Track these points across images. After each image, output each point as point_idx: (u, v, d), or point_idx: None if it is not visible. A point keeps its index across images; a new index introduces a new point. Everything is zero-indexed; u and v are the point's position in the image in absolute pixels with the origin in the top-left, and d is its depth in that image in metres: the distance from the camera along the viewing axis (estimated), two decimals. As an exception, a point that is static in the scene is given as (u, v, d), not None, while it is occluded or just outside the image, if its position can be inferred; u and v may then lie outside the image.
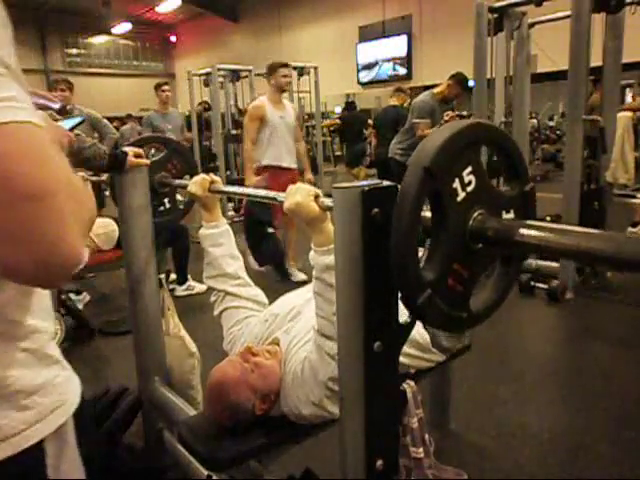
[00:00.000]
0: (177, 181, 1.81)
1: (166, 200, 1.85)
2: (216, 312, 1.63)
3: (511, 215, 0.77)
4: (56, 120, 0.93)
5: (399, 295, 0.74)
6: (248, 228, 4.03)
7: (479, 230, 0.71)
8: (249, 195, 1.51)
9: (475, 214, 0.72)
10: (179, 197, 1.95)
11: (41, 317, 0.69)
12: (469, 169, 0.71)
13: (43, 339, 0.69)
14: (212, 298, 1.64)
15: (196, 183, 1.56)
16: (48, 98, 0.95)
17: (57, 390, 0.69)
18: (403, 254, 0.68)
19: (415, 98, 4.45)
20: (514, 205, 0.77)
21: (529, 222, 0.70)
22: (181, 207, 1.90)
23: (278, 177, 3.83)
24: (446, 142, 0.67)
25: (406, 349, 1.40)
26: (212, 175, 1.59)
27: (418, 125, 4.16)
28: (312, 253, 1.17)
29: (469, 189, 0.71)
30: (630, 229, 4.99)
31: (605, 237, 0.61)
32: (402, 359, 1.25)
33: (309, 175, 4.34)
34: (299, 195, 1.11)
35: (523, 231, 0.67)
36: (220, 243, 1.59)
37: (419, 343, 1.48)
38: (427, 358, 1.53)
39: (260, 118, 3.96)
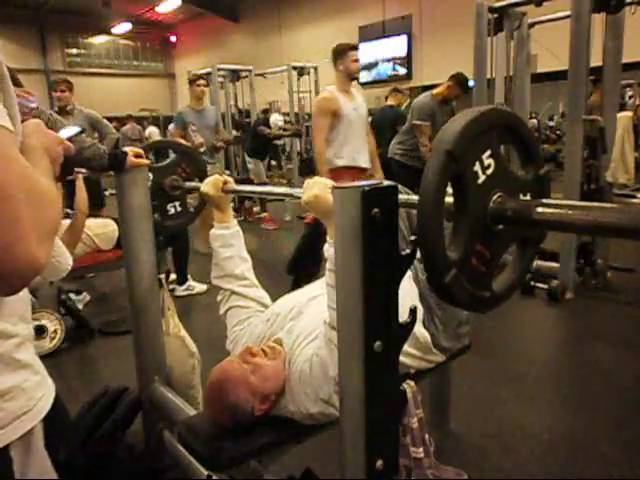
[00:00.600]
0: (188, 183, 1.82)
1: (177, 203, 1.86)
2: (221, 311, 1.63)
3: (527, 198, 0.79)
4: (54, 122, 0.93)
5: (425, 276, 0.76)
6: (310, 236, 3.53)
7: (499, 211, 0.73)
8: (264, 192, 1.50)
9: (495, 196, 0.74)
10: (189, 200, 1.96)
11: (10, 322, 0.68)
12: (488, 152, 0.73)
13: (10, 344, 0.67)
14: (218, 297, 1.64)
15: (209, 183, 1.57)
16: (23, 97, 0.93)
17: (25, 395, 0.68)
18: (429, 235, 0.70)
19: (415, 99, 4.43)
20: (530, 188, 0.79)
21: (545, 200, 0.72)
22: (192, 210, 1.91)
23: (356, 180, 3.53)
24: (466, 126, 0.69)
25: (408, 349, 1.40)
26: (225, 175, 1.60)
27: (419, 127, 4.15)
28: (327, 245, 1.17)
29: (489, 172, 0.73)
30: None
31: (620, 210, 0.64)
32: (403, 359, 1.25)
33: (380, 174, 3.79)
34: (316, 188, 1.12)
35: (540, 209, 0.70)
36: (230, 244, 1.60)
37: (420, 343, 1.48)
38: (428, 359, 1.53)
39: (333, 112, 3.34)
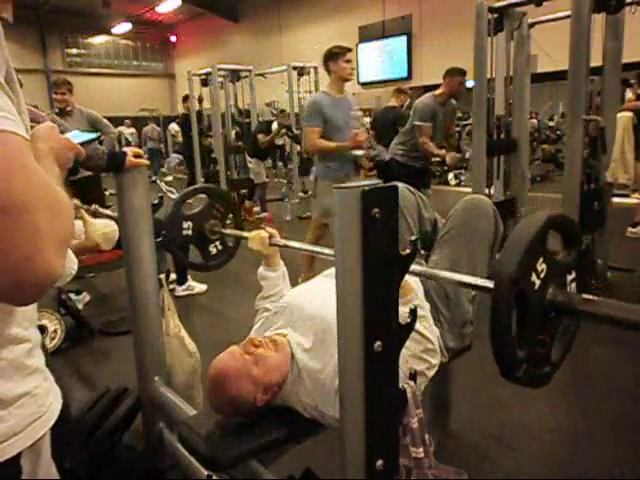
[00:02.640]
0: (230, 231, 1.93)
1: (217, 243, 1.95)
2: (255, 326, 1.69)
3: (572, 276, 0.92)
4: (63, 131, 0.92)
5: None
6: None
7: (553, 303, 0.85)
8: (301, 249, 1.63)
9: (549, 290, 0.85)
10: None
11: (23, 326, 0.67)
12: (541, 260, 0.84)
13: (23, 349, 0.67)
14: (256, 316, 1.72)
15: (256, 240, 1.67)
16: (36, 113, 0.93)
17: (36, 402, 0.67)
18: (503, 347, 0.82)
19: (417, 99, 4.43)
20: (573, 267, 0.91)
21: (585, 296, 0.86)
22: (230, 245, 1.99)
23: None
24: (526, 251, 0.81)
25: (421, 354, 1.39)
26: (268, 228, 1.70)
27: (420, 128, 4.14)
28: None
29: (542, 275, 0.84)
30: (630, 229, 4.99)
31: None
32: (415, 364, 1.26)
33: None
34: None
35: (582, 304, 0.85)
36: (276, 284, 1.72)
37: (431, 342, 1.48)
38: (435, 363, 1.53)
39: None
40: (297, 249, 1.58)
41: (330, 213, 3.17)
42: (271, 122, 6.98)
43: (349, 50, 3.46)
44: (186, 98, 7.28)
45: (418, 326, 1.29)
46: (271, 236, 1.66)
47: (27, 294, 0.56)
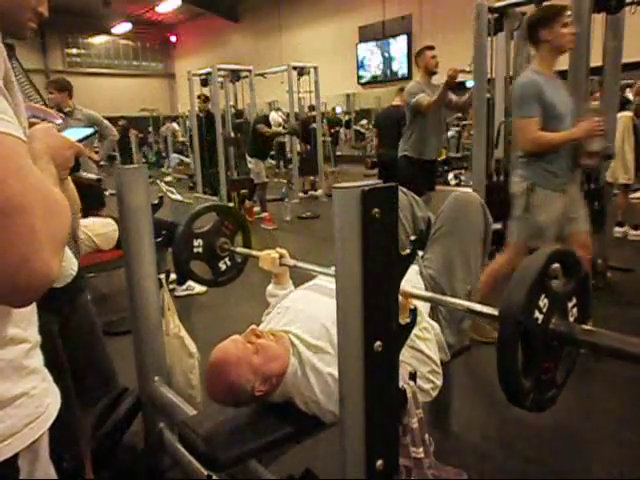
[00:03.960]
0: (240, 249, 1.96)
1: (227, 259, 1.99)
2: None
3: (574, 302, 0.94)
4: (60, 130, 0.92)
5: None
6: None
7: (556, 332, 0.88)
8: (310, 270, 1.61)
9: (552, 320, 0.88)
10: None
11: (21, 327, 0.67)
12: (543, 296, 0.86)
13: (21, 349, 0.67)
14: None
15: (267, 261, 1.70)
16: (49, 113, 0.93)
17: (34, 402, 0.67)
18: (509, 380, 0.85)
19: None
20: (574, 294, 0.93)
21: (585, 327, 0.90)
22: (239, 261, 2.02)
23: None
24: (528, 292, 0.84)
25: (428, 375, 1.40)
26: (278, 249, 1.72)
27: (418, 102, 4.08)
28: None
29: (544, 310, 0.87)
30: (617, 229, 4.88)
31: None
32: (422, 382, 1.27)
33: None
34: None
35: (582, 334, 0.89)
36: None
37: (440, 342, 1.50)
38: (439, 385, 1.53)
39: None
40: (306, 270, 1.59)
41: (544, 234, 2.56)
42: (268, 115, 6.93)
43: (565, 10, 2.63)
44: (207, 99, 7.35)
45: (425, 348, 1.31)
46: (281, 256, 1.69)
47: (24, 296, 0.56)
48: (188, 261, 1.92)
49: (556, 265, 0.91)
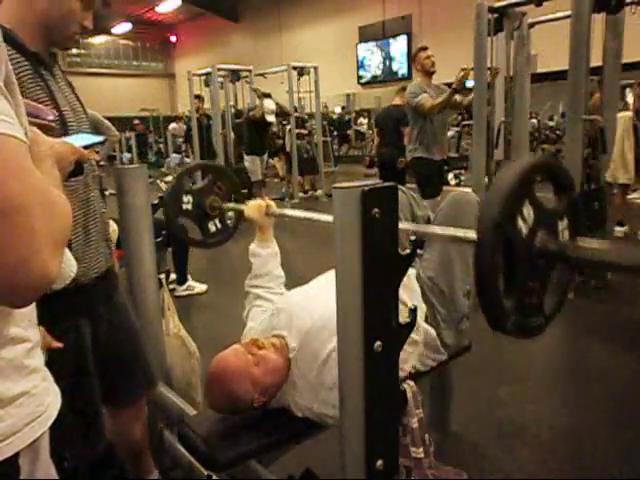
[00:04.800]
0: (230, 205, 1.88)
1: (217, 221, 1.92)
2: (244, 313, 1.69)
3: (565, 223, 0.88)
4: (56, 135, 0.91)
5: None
6: None
7: (542, 250, 0.82)
8: (298, 217, 1.59)
9: (538, 237, 0.81)
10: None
11: (22, 326, 0.67)
12: (526, 202, 0.80)
13: (22, 349, 0.67)
14: (246, 301, 1.71)
15: (253, 208, 1.66)
16: (40, 110, 0.92)
17: (34, 401, 0.67)
18: (488, 297, 0.78)
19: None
20: (566, 213, 0.87)
21: (579, 242, 0.85)
22: (231, 225, 1.97)
23: None
24: (508, 195, 0.77)
25: (424, 351, 1.40)
26: (267, 199, 1.68)
27: (419, 103, 3.95)
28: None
29: (529, 221, 0.80)
30: (617, 228, 4.86)
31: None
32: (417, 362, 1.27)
33: None
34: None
35: (573, 249, 0.84)
36: (266, 263, 1.69)
37: (428, 341, 1.49)
38: (433, 357, 1.54)
39: None
40: (294, 217, 1.56)
41: None
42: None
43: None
44: (198, 97, 7.32)
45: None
46: (268, 205, 1.65)
47: (23, 297, 0.56)
48: (176, 216, 1.83)
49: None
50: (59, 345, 1.19)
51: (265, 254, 1.68)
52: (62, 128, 1.23)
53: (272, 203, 1.68)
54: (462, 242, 1.01)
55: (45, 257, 0.54)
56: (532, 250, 0.81)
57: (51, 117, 0.93)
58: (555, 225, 0.85)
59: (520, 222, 0.79)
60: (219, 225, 1.93)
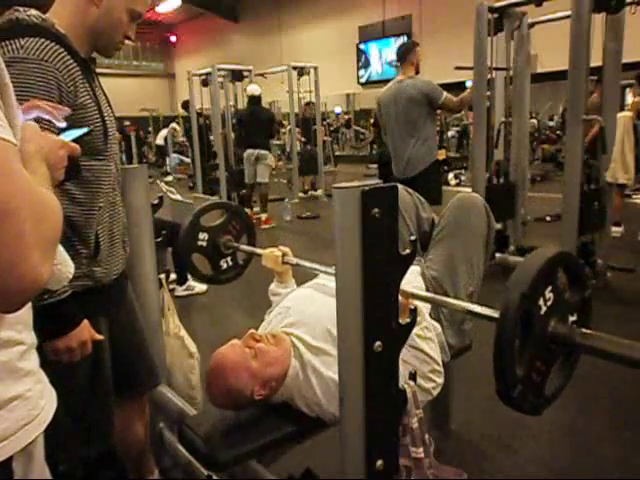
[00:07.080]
0: (246, 247, 1.95)
1: (229, 259, 1.99)
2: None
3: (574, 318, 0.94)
4: (54, 132, 0.90)
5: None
6: None
7: (555, 334, 0.88)
8: (313, 268, 1.60)
9: (552, 322, 0.88)
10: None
11: (16, 329, 0.67)
12: (550, 288, 0.87)
13: (16, 352, 0.66)
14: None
15: (270, 258, 1.71)
16: (54, 115, 0.92)
17: (28, 405, 0.66)
18: (504, 359, 0.83)
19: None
20: (577, 309, 0.93)
21: (586, 331, 0.89)
22: (241, 263, 2.02)
23: None
24: (537, 274, 0.84)
25: (429, 374, 1.41)
26: (282, 247, 1.72)
27: (448, 97, 3.68)
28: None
29: (549, 303, 0.87)
30: (614, 229, 4.82)
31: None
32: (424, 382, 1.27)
33: None
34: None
35: (583, 338, 0.88)
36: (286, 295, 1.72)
37: (440, 341, 1.49)
38: (440, 383, 1.53)
39: None
40: (309, 268, 1.59)
41: None
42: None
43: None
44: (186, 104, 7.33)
45: (425, 347, 1.31)
46: (284, 254, 1.69)
47: (12, 301, 0.55)
48: (191, 252, 1.91)
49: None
50: (101, 337, 1.23)
51: (285, 293, 1.72)
52: (104, 136, 1.25)
53: (288, 250, 1.72)
54: (483, 319, 1.06)
55: (35, 261, 0.53)
56: (546, 331, 0.87)
57: (63, 124, 0.93)
58: (567, 317, 0.91)
59: (541, 301, 0.86)
60: (230, 262, 1.99)
